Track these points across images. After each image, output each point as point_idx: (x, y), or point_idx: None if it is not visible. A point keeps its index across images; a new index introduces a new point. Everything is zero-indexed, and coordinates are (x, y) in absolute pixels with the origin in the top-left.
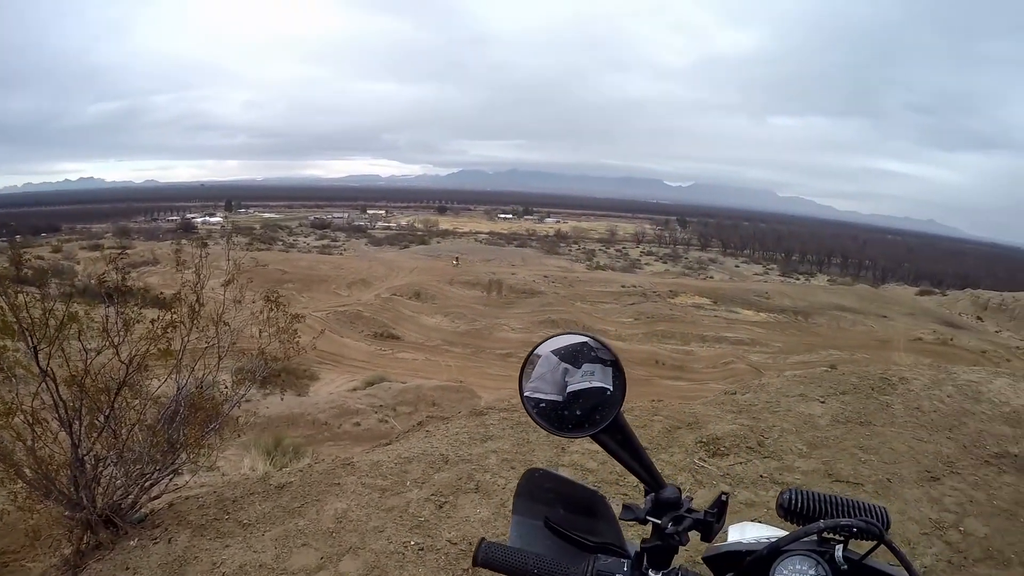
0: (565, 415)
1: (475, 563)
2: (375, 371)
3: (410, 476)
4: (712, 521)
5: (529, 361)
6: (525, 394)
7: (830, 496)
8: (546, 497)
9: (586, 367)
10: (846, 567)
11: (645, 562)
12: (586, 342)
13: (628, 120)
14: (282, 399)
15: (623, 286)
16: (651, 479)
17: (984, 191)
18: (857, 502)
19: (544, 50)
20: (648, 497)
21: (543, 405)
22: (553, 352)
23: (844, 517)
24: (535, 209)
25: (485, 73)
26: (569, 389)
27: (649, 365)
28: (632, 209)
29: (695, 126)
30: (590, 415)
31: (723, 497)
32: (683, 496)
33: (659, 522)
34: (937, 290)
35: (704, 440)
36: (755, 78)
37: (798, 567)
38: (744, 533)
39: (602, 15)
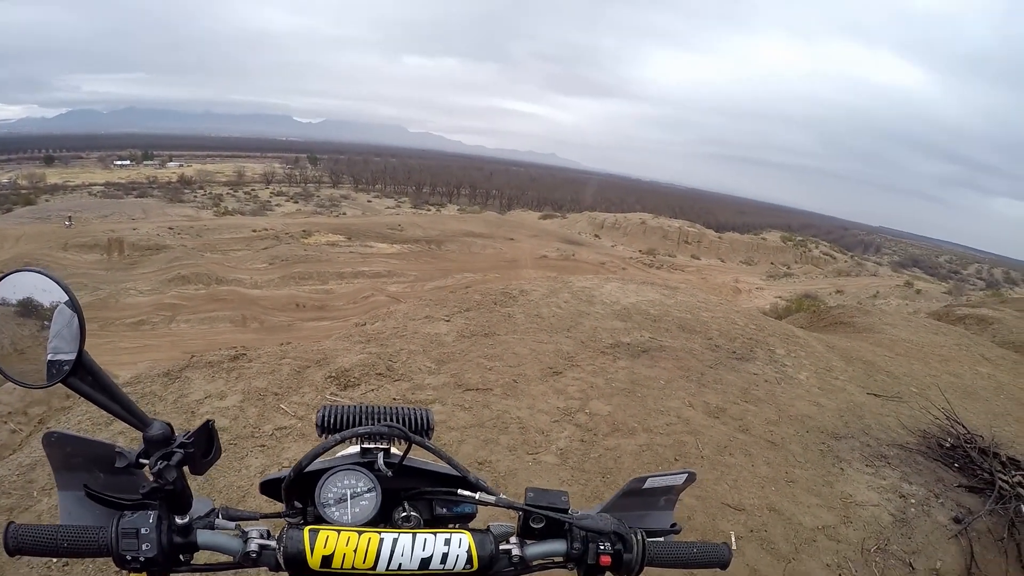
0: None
1: (7, 551)
2: None
3: (36, 485)
4: (194, 452)
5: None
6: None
7: (367, 407)
8: (79, 463)
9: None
10: (391, 473)
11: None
12: (36, 279)
13: (260, 53)
14: None
15: (254, 230)
16: (134, 419)
17: (599, 130)
18: (397, 409)
19: None
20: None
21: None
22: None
23: (372, 425)
24: (156, 153)
25: None
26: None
27: (290, 310)
28: (261, 148)
29: (329, 61)
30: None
31: (209, 424)
32: (176, 432)
33: (148, 463)
34: (558, 214)
35: (334, 374)
36: (393, 17)
37: (344, 482)
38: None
39: None
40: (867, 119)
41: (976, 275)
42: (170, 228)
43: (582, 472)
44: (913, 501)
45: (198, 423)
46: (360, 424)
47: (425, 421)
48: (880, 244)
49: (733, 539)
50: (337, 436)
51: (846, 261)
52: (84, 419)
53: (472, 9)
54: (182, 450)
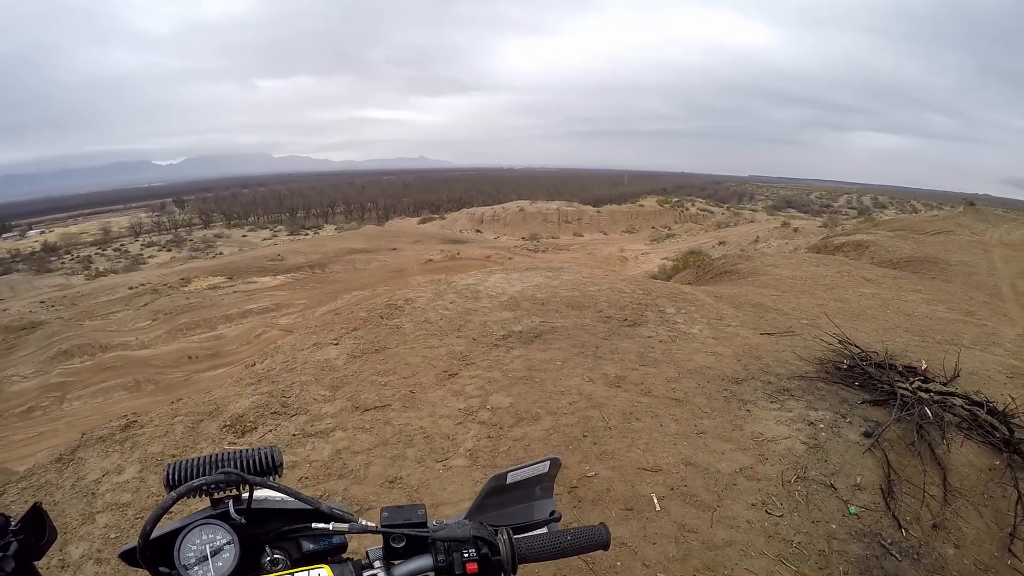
0: None
1: None
2: None
3: None
4: (25, 538)
5: None
6: None
7: (210, 456)
8: None
9: None
10: (244, 520)
11: None
12: None
13: (109, 97)
14: None
15: (131, 287)
16: None
17: (465, 126)
18: (242, 452)
19: (4, 24)
20: None
21: None
22: None
23: (207, 476)
24: (13, 224)
25: None
26: None
27: (183, 364)
28: (123, 199)
29: (181, 97)
30: None
31: (37, 506)
32: (12, 519)
33: None
34: (436, 216)
35: (229, 423)
36: (241, 42)
37: (201, 539)
38: None
39: None
40: (720, 78)
41: (847, 205)
42: (42, 302)
43: (494, 468)
44: (822, 426)
45: (99, 505)
46: (205, 473)
47: (270, 460)
48: (753, 192)
49: (656, 500)
50: (173, 494)
51: (723, 213)
52: None
53: (315, 24)
54: (14, 539)
